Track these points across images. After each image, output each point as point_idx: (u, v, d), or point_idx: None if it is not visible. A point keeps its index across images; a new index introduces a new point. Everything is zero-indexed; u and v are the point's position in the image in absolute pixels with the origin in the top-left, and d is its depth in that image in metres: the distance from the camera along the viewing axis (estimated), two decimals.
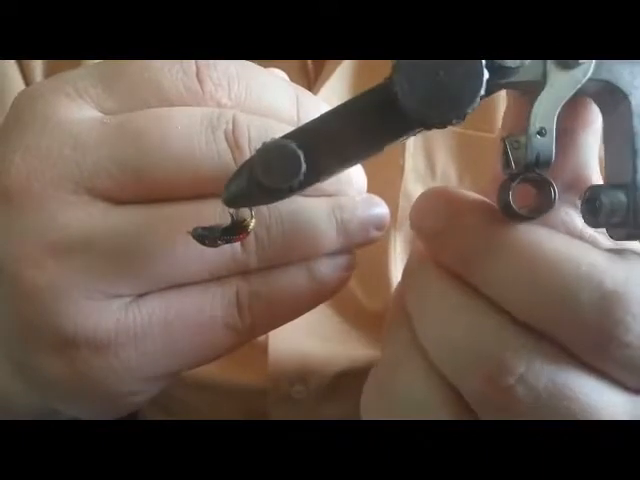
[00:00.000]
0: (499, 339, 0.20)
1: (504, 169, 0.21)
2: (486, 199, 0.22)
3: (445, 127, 0.18)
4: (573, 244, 0.20)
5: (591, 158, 0.22)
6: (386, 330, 0.24)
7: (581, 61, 0.19)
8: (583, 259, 0.19)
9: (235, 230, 0.21)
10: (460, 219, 0.21)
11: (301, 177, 0.19)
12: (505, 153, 0.21)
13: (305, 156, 0.19)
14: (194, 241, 0.21)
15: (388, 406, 0.22)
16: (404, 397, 0.22)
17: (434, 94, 0.18)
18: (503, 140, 0.21)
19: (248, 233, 0.21)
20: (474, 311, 0.20)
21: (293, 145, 0.19)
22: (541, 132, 0.19)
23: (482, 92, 0.18)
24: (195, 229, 0.21)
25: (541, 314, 0.19)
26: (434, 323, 0.21)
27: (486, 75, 0.18)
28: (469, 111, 0.18)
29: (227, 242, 0.21)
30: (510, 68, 0.19)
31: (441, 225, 0.21)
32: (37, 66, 0.40)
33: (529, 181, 0.20)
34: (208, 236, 0.21)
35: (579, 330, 0.19)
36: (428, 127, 0.19)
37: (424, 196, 0.23)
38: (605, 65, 0.19)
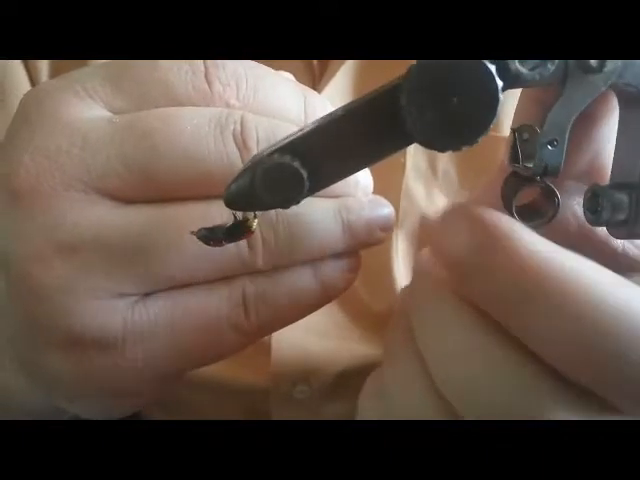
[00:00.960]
0: (534, 391, 0.18)
1: (511, 161, 0.21)
2: (524, 227, 0.19)
3: None
4: (632, 294, 0.17)
5: (607, 148, 0.21)
6: (388, 345, 0.23)
7: (606, 67, 0.18)
8: None
9: (238, 230, 0.21)
10: (492, 255, 0.18)
11: (304, 194, 0.18)
12: (514, 146, 0.20)
13: (308, 173, 0.18)
14: (200, 241, 0.21)
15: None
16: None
17: (446, 123, 0.17)
18: (513, 131, 0.20)
19: (252, 232, 0.21)
20: (501, 356, 0.18)
21: (296, 164, 0.18)
22: (552, 143, 0.19)
23: (495, 120, 0.17)
24: (199, 230, 0.21)
25: (587, 373, 0.17)
26: (449, 358, 0.19)
27: (501, 100, 0.17)
28: (480, 139, 0.17)
29: (231, 241, 0.21)
30: (527, 81, 0.18)
31: (468, 256, 0.19)
32: (43, 66, 0.40)
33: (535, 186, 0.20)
34: (212, 236, 0.21)
35: (632, 394, 0.17)
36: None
37: (449, 215, 0.19)
38: (630, 68, 0.18)
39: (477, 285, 0.19)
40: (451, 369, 0.19)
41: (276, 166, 0.18)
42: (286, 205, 0.19)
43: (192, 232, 0.21)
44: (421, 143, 0.18)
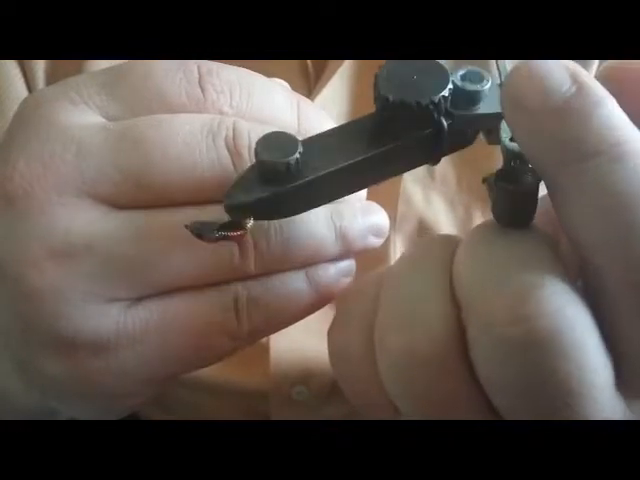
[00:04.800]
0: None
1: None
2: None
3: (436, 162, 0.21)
4: None
5: None
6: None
7: None
8: None
9: (233, 226, 0.21)
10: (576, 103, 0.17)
11: (297, 155, 0.20)
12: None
13: (302, 152, 0.20)
14: (193, 247, 0.21)
15: None
16: None
17: (408, 87, 0.20)
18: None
19: (246, 231, 0.21)
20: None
21: (291, 133, 0.20)
22: (512, 139, 0.19)
23: (448, 87, 0.20)
24: (193, 222, 0.21)
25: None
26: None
27: (450, 78, 0.20)
28: (435, 99, 0.19)
29: (224, 238, 0.21)
30: (475, 93, 0.20)
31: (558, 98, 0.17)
32: (39, 68, 0.40)
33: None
34: (205, 229, 0.21)
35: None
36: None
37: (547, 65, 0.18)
38: None
39: (544, 130, 0.17)
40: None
41: (273, 133, 0.20)
42: (283, 173, 0.20)
43: (186, 225, 0.21)
44: (390, 105, 0.20)
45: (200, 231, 0.21)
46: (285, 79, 0.26)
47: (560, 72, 0.17)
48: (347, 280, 0.26)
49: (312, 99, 0.40)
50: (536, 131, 0.17)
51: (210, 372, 0.39)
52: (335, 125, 0.23)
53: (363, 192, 0.26)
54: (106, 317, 0.22)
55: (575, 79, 0.17)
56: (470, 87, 0.20)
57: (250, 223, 0.21)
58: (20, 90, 0.40)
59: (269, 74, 0.25)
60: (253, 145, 0.22)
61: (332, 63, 0.39)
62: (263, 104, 0.24)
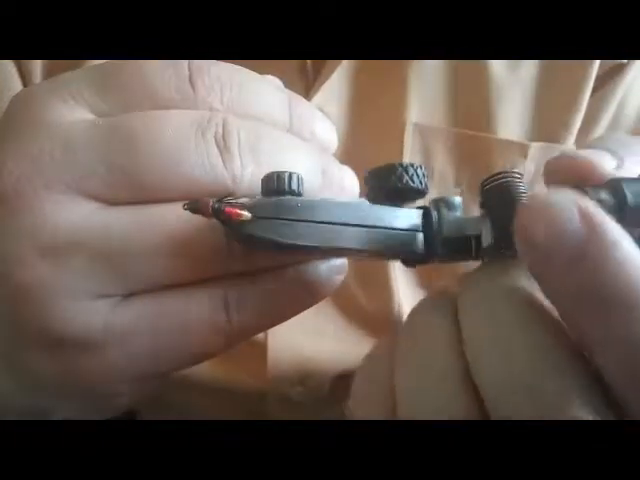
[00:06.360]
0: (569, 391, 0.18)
1: None
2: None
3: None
4: None
5: None
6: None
7: None
8: None
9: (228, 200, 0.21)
10: (591, 249, 0.17)
11: (299, 177, 0.20)
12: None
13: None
14: (182, 244, 0.21)
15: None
16: None
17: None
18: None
19: (242, 206, 0.21)
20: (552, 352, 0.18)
21: None
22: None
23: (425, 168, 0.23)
24: (190, 200, 0.21)
25: None
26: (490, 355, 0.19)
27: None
28: (415, 165, 0.22)
29: (220, 213, 0.20)
30: (453, 199, 0.23)
31: (565, 243, 0.17)
32: (37, 67, 0.40)
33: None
34: (200, 203, 0.21)
35: None
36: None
37: (552, 196, 0.17)
38: None
39: (559, 278, 0.17)
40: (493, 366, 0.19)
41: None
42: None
43: (183, 206, 0.21)
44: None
45: (196, 205, 0.20)
46: (283, 77, 0.26)
47: (570, 214, 0.16)
48: (339, 278, 0.26)
49: (311, 97, 0.40)
50: (548, 273, 0.17)
51: (209, 374, 0.39)
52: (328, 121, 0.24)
53: (356, 189, 0.26)
54: (95, 314, 0.22)
55: (586, 220, 0.16)
56: (448, 195, 0.23)
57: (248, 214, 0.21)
58: (17, 89, 0.40)
59: (267, 72, 0.25)
60: (242, 141, 0.22)
61: (331, 62, 0.39)
62: (254, 101, 0.24)
